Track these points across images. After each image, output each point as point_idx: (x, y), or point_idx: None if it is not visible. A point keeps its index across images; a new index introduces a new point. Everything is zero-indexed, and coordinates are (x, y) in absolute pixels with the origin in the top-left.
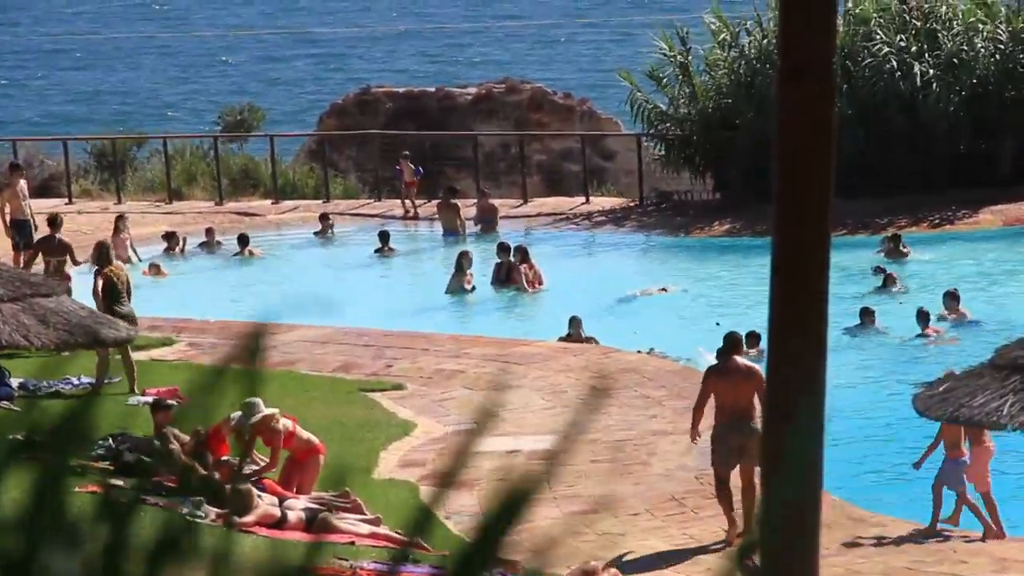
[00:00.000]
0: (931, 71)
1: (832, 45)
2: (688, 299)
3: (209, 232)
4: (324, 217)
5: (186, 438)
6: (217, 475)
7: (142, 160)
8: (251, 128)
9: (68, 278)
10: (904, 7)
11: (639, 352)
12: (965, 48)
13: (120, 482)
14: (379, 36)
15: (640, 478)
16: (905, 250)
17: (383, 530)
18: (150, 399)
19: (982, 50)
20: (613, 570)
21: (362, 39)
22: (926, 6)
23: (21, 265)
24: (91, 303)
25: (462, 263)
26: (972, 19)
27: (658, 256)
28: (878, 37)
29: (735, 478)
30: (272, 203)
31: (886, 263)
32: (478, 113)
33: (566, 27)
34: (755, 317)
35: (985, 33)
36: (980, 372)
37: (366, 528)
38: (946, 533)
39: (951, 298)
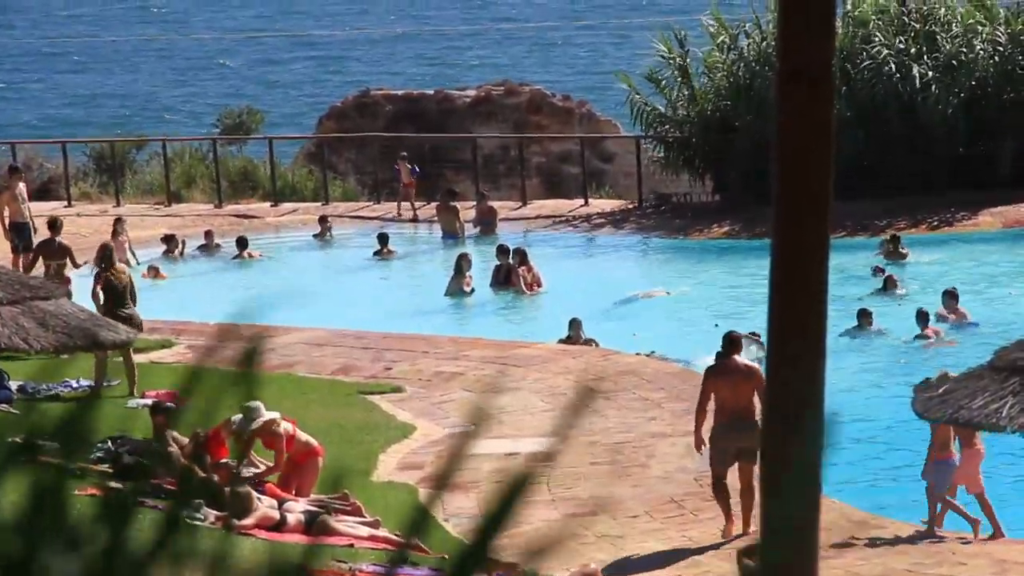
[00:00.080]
0: (930, 73)
1: (831, 47)
2: (687, 301)
3: (208, 235)
4: (323, 219)
5: (185, 440)
6: (216, 477)
7: (141, 163)
8: (250, 131)
9: (68, 281)
10: (903, 9)
11: (638, 354)
12: (964, 50)
13: (119, 485)
14: (377, 39)
15: (639, 480)
16: (904, 252)
17: (382, 532)
18: (149, 402)
19: (981, 52)
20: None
21: (360, 42)
22: (925, 8)
23: (20, 268)
24: (91, 306)
25: (461, 265)
26: (971, 21)
27: (657, 258)
28: (877, 39)
29: (734, 479)
30: (271, 205)
31: (885, 265)
32: (477, 116)
33: (563, 29)
34: (754, 319)
35: (984, 35)
36: (979, 374)
37: (365, 530)
38: (939, 534)
39: (950, 297)
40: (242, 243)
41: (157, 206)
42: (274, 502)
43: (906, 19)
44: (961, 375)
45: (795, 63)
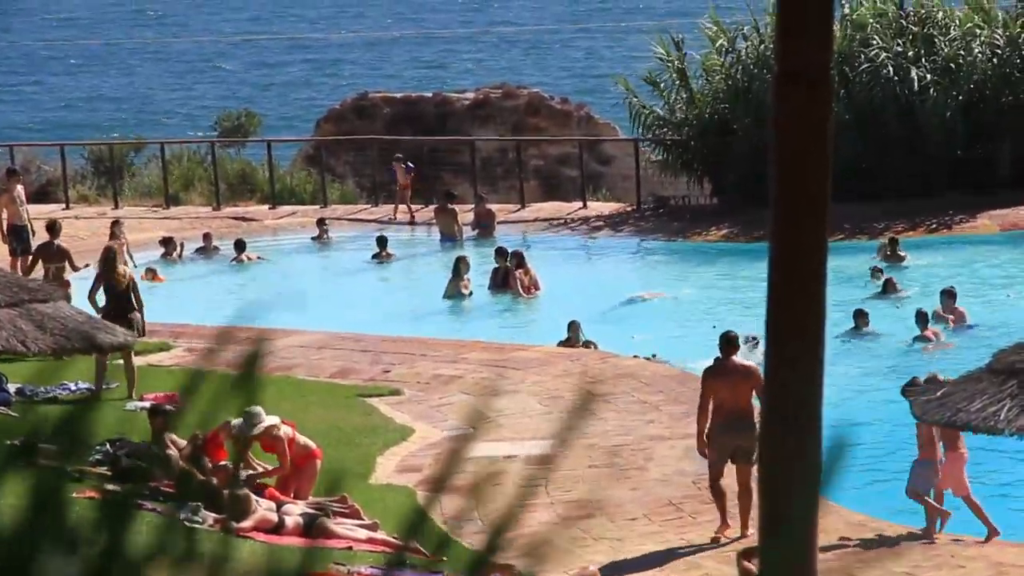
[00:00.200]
0: (928, 76)
1: (829, 50)
2: (686, 304)
3: (206, 237)
4: (321, 222)
5: (183, 443)
6: (215, 480)
7: (139, 165)
8: (248, 133)
9: (67, 284)
10: (901, 12)
11: (636, 357)
12: (962, 53)
13: (118, 487)
14: (374, 42)
15: (637, 483)
16: (902, 254)
17: (380, 535)
18: (148, 404)
19: (979, 55)
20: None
21: (357, 45)
22: (923, 11)
23: (19, 272)
24: (89, 308)
25: (459, 268)
26: (969, 24)
27: (655, 261)
28: (875, 42)
29: (733, 480)
30: (269, 208)
31: (883, 267)
32: (475, 118)
33: (561, 32)
34: (753, 321)
35: (982, 38)
36: (978, 377)
37: (364, 533)
38: (936, 537)
39: (948, 296)
40: (240, 246)
41: (155, 209)
42: (272, 505)
43: (904, 22)
44: (959, 378)
45: (793, 66)
